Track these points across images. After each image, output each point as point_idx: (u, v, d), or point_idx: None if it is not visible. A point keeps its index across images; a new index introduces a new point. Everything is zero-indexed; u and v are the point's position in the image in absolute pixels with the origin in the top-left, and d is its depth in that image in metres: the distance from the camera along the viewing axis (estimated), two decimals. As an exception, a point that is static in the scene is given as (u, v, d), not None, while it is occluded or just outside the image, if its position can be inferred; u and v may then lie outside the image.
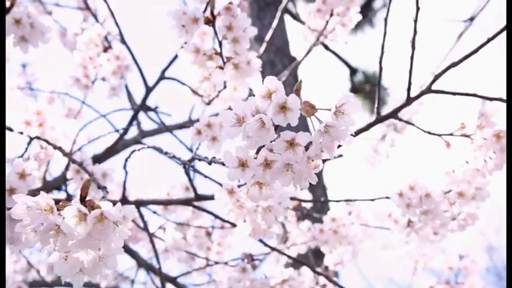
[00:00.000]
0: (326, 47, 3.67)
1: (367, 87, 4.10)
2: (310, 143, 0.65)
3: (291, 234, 1.80)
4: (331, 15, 1.70)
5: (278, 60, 3.07)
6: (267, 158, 0.67)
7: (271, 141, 0.66)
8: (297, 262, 1.53)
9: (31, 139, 1.23)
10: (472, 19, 2.85)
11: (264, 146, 0.67)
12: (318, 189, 2.62)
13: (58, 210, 0.67)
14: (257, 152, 0.68)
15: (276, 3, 3.29)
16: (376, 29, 4.92)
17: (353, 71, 4.81)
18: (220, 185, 1.07)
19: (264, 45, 1.97)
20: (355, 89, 4.69)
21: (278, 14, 1.95)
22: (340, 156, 1.13)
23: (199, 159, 1.01)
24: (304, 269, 1.64)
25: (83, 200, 0.71)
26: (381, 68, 1.16)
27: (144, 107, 1.88)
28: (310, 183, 0.69)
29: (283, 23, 3.36)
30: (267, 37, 1.96)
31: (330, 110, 0.65)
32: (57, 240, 0.66)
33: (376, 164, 3.32)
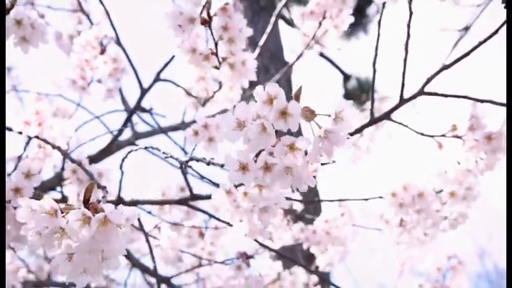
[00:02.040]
0: (320, 53, 3.71)
1: (364, 97, 4.16)
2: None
3: (277, 231, 1.80)
4: (324, 17, 1.71)
5: (272, 65, 3.09)
6: (267, 162, 0.69)
7: (271, 146, 0.67)
8: (287, 259, 1.54)
9: (30, 138, 1.23)
10: (466, 28, 2.88)
11: (263, 150, 0.69)
12: (310, 192, 2.63)
13: (62, 213, 0.68)
14: (256, 156, 0.70)
15: (270, 8, 3.30)
16: (369, 35, 4.96)
17: (346, 77, 4.85)
18: (217, 185, 1.08)
19: (258, 49, 1.99)
20: (348, 95, 4.73)
21: (272, 20, 1.95)
22: (333, 162, 1.15)
23: (197, 160, 1.02)
24: (296, 268, 1.65)
25: (86, 202, 0.71)
26: (374, 70, 1.19)
27: (138, 108, 1.89)
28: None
29: (277, 28, 3.37)
30: (261, 42, 1.97)
31: (329, 116, 0.67)
32: (62, 243, 0.67)
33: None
